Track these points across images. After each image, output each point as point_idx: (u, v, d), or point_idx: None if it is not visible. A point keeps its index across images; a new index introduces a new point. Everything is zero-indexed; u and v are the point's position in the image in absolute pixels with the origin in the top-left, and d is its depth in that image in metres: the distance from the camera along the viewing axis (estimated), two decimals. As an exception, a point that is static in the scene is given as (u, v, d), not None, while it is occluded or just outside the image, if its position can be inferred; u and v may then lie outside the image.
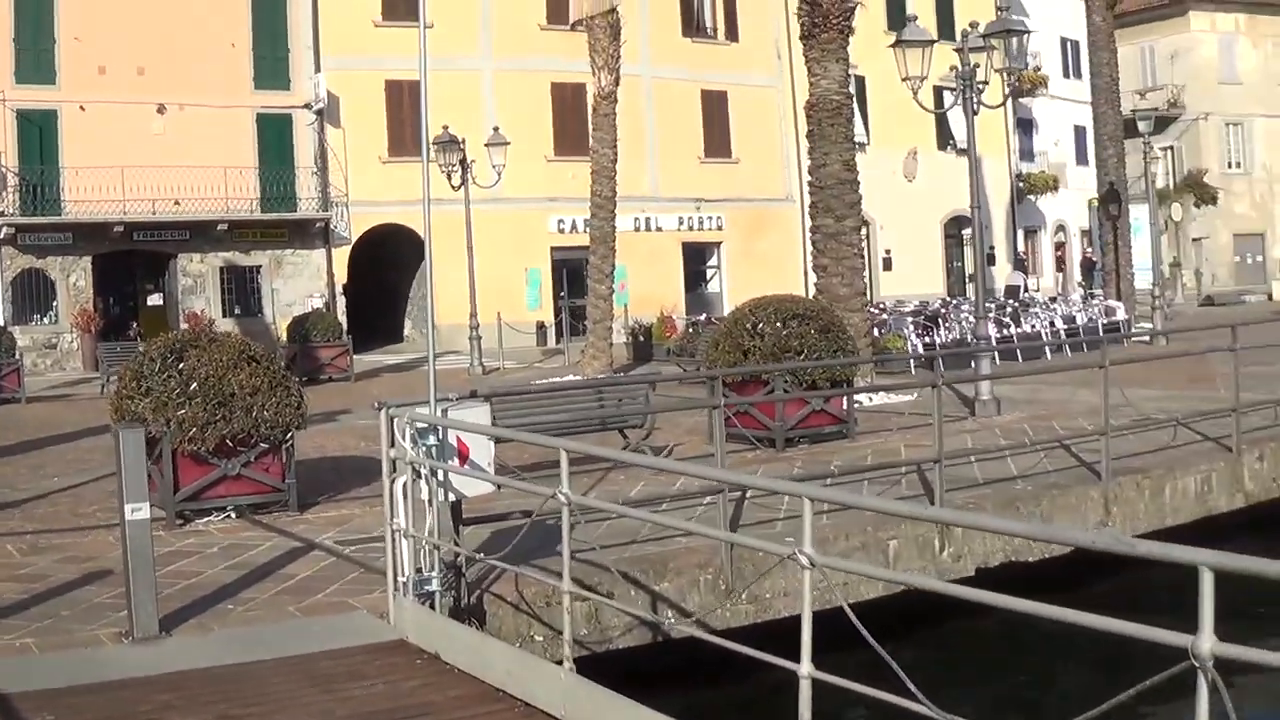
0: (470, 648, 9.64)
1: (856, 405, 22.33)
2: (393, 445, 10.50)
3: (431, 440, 10.31)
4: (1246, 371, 19.37)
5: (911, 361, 30.71)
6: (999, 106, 25.19)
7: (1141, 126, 44.81)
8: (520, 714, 8.66)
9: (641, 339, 40.47)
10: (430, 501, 10.36)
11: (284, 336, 41.14)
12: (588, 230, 37.31)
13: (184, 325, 42.44)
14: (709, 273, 56.06)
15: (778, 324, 19.78)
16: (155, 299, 46.97)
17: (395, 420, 10.46)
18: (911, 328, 34.68)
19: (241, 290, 47.23)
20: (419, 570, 10.46)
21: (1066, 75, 72.30)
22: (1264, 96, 79.22)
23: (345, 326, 41.92)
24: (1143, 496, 16.24)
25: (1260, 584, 4.71)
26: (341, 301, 47.67)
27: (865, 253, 33.92)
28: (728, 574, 12.33)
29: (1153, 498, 16.34)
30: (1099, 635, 5.19)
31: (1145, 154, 45.58)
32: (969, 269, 64.98)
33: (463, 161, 38.38)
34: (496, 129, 40.09)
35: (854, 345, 21.55)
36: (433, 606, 10.40)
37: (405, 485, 10.44)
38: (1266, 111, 79.36)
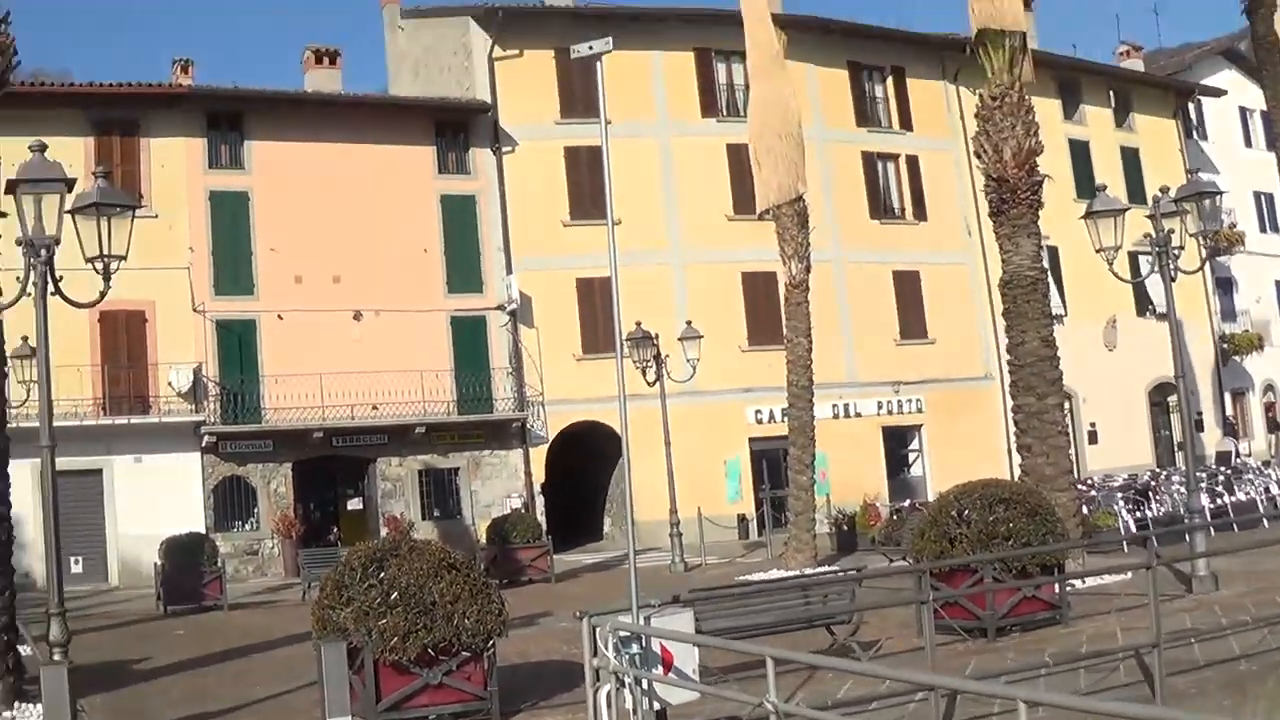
0: None
1: (1069, 589, 21.69)
2: (595, 654, 10.24)
3: (635, 649, 10.03)
4: None
5: (1124, 540, 29.86)
6: (1197, 271, 24.63)
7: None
8: None
9: (845, 528, 39.88)
10: (635, 710, 10.06)
11: (483, 538, 41.06)
12: (785, 420, 37.06)
13: (384, 529, 42.83)
14: (911, 456, 55.32)
15: (984, 510, 19.29)
16: (355, 503, 47.29)
17: (598, 629, 10.20)
18: (1122, 503, 33.76)
19: (440, 492, 47.33)
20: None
21: (1263, 230, 71.00)
22: None
23: (544, 527, 41.76)
24: (1380, 674, 15.44)
25: None
26: (540, 501, 47.61)
27: (1069, 428, 33.24)
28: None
29: (1393, 675, 15.53)
30: None
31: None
32: (1177, 437, 63.54)
33: (656, 356, 38.48)
34: (689, 322, 40.24)
35: (1063, 527, 20.96)
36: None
37: (609, 694, 10.16)
38: None
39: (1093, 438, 58.93)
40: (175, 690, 19.48)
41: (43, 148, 14.69)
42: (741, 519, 48.04)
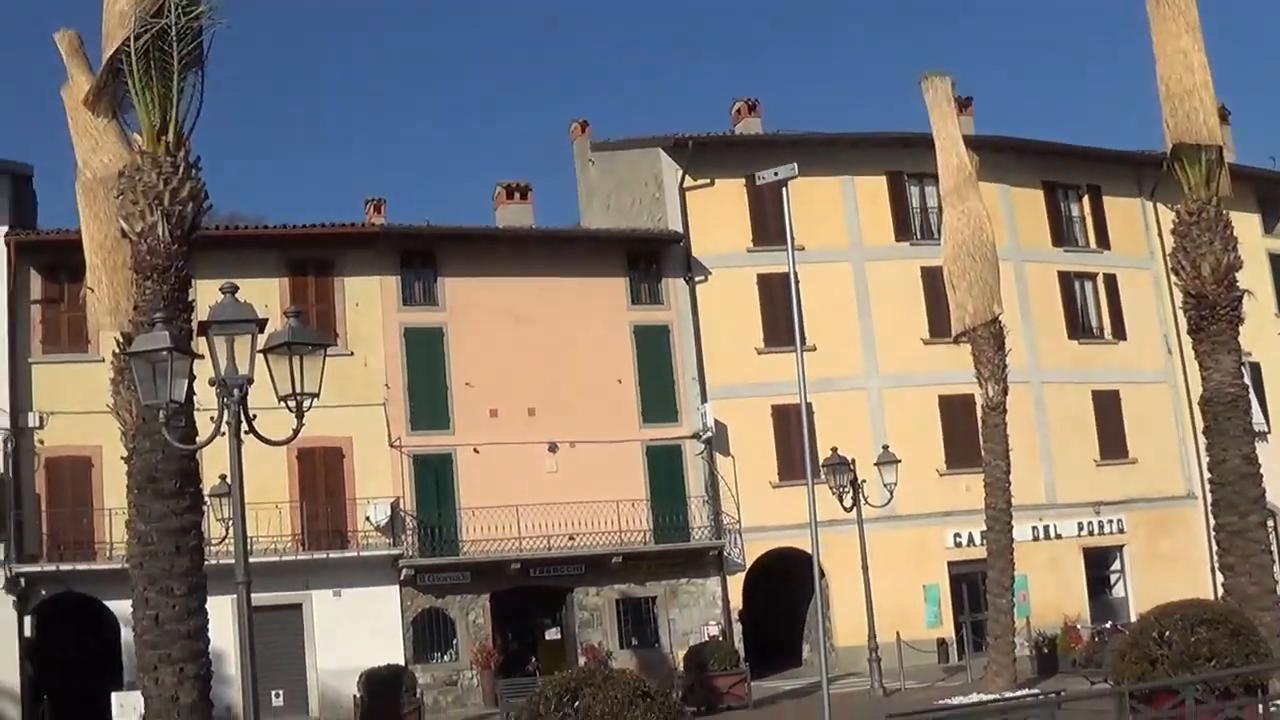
0: None
1: (1274, 708, 21.27)
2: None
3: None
4: None
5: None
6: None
7: None
8: None
9: (1046, 651, 39.43)
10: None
11: (681, 666, 40.98)
12: (984, 543, 36.79)
13: (582, 658, 42.89)
14: (1112, 578, 54.36)
15: (1185, 630, 19.01)
16: (553, 633, 47.34)
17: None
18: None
19: (638, 621, 47.28)
20: None
21: None
22: None
23: (742, 654, 41.67)
24: None
25: None
26: (738, 629, 47.45)
27: (1273, 547, 32.61)
28: None
29: None
30: None
31: None
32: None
33: (853, 482, 38.27)
34: (886, 447, 40.21)
35: (1267, 647, 20.49)
36: None
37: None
38: None
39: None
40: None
41: (234, 289, 15.02)
42: (941, 643, 47.64)
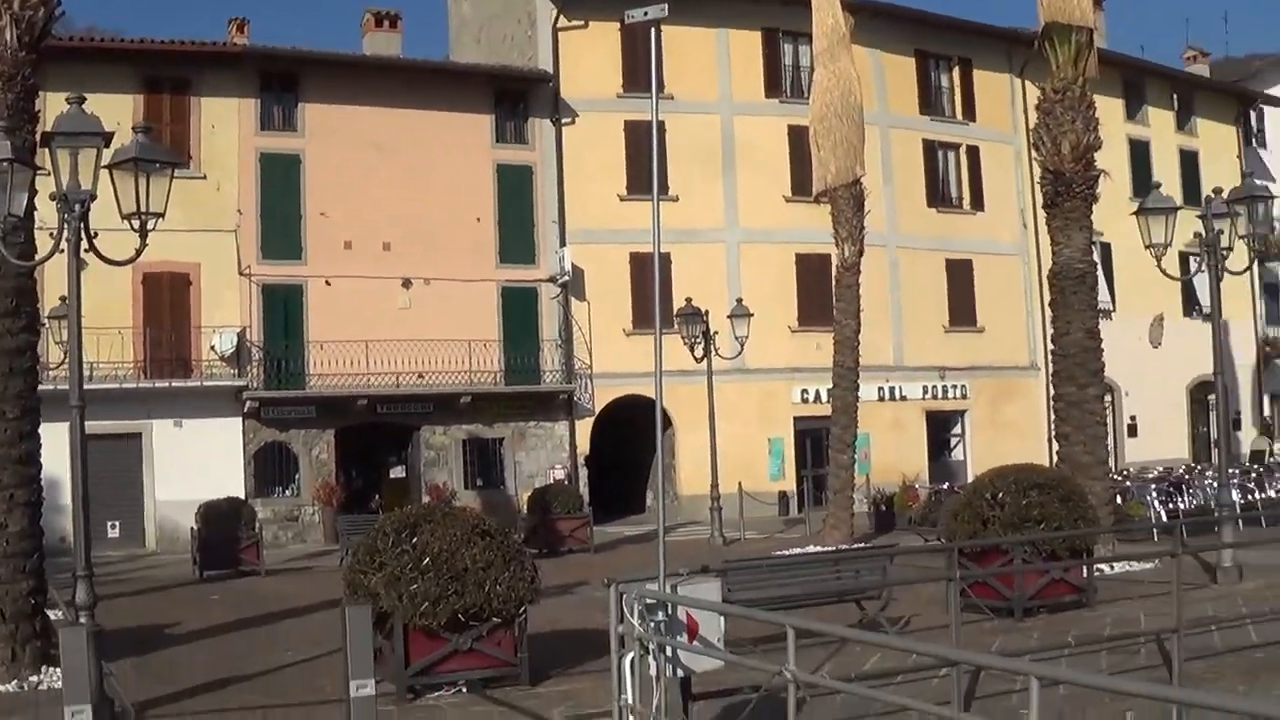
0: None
1: (1097, 574, 22.01)
2: (621, 621, 10.50)
3: (660, 616, 10.29)
4: None
5: (1154, 529, 30.08)
6: (1244, 272, 24.77)
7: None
8: None
9: (884, 508, 40.14)
10: (658, 677, 10.32)
11: (525, 508, 41.22)
12: (830, 400, 37.27)
13: (426, 498, 42.97)
14: (953, 441, 55.49)
15: (1018, 494, 19.57)
16: (398, 471, 47.65)
17: (624, 596, 10.46)
18: (1154, 495, 33.99)
19: (484, 462, 47.58)
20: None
21: (1313, 240, 70.97)
22: None
23: (587, 498, 42.01)
24: (1392, 666, 15.73)
25: None
26: (584, 473, 47.88)
27: (1110, 419, 33.44)
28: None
29: None
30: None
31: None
32: (1214, 434, 63.60)
33: (705, 333, 38.53)
34: (740, 300, 40.36)
35: (1094, 514, 21.20)
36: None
37: (633, 661, 10.41)
38: None
39: (1132, 430, 59.15)
40: (205, 655, 19.71)
41: (81, 100, 14.38)
42: (782, 496, 48.44)
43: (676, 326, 38.41)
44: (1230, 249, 23.73)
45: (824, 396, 42.87)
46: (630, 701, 10.38)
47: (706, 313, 38.79)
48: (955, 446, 55.40)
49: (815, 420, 47.37)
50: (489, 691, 15.18)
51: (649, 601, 10.29)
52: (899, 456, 49.69)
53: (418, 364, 45.08)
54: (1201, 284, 59.91)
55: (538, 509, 38.09)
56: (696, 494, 42.01)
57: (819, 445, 45.80)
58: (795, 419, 50.56)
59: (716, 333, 38.89)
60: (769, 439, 49.94)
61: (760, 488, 45.78)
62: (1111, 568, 24.22)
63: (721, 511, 38.47)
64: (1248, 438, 62.46)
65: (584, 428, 48.52)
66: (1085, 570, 20.15)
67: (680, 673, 10.49)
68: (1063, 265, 27.70)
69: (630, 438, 47.87)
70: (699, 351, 38.32)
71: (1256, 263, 63.56)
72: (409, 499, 42.24)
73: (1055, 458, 28.23)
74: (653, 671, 10.36)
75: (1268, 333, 67.93)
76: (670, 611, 10.34)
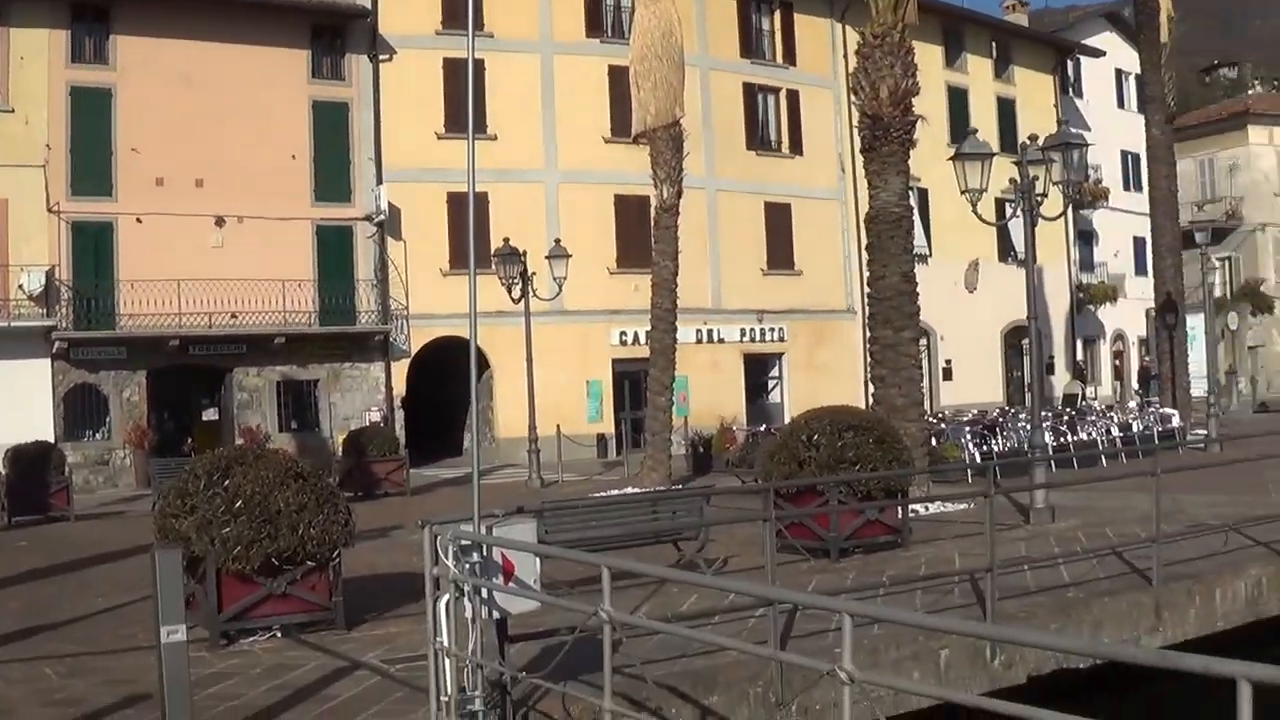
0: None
1: (912, 515, 22.17)
2: (436, 563, 10.33)
3: (475, 558, 10.15)
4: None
5: (968, 470, 30.46)
6: (1058, 218, 25.10)
7: (1199, 238, 44.55)
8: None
9: (701, 450, 40.23)
10: (473, 619, 10.18)
11: (340, 451, 40.82)
12: (648, 342, 37.26)
13: (239, 441, 42.39)
14: (770, 384, 55.94)
15: (832, 435, 19.63)
16: (211, 414, 46.88)
17: (438, 538, 10.30)
18: (969, 437, 34.46)
19: (299, 404, 47.17)
20: (462, 690, 10.27)
21: (1127, 188, 72.71)
22: None
23: (403, 440, 41.74)
24: (1193, 602, 16.17)
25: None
26: (400, 415, 47.56)
27: (925, 362, 33.80)
28: (778, 687, 12.11)
29: (1204, 603, 16.27)
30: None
31: (1203, 265, 45.36)
32: (1028, 378, 64.75)
33: (523, 274, 38.30)
34: (558, 241, 40.10)
35: (909, 455, 21.36)
36: (476, 727, 10.20)
37: (448, 603, 10.26)
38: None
39: (948, 374, 60.06)
40: (14, 602, 19.17)
41: None
42: (601, 438, 48.48)
43: (494, 267, 38.17)
44: (1044, 195, 23.97)
45: (642, 339, 42.87)
46: (446, 644, 10.22)
47: (524, 254, 38.53)
48: (773, 389, 55.85)
49: (634, 363, 47.41)
50: (304, 636, 14.91)
51: (463, 543, 10.13)
52: (717, 399, 49.98)
53: (231, 304, 44.40)
54: (1016, 230, 60.70)
55: (353, 452, 37.64)
56: (515, 437, 41.92)
57: (637, 388, 45.87)
58: (614, 361, 50.64)
59: (534, 274, 38.65)
60: (587, 381, 49.96)
61: (579, 430, 45.86)
62: (926, 508, 24.44)
63: (539, 454, 38.35)
64: (1061, 381, 63.66)
65: (400, 369, 48.22)
66: (900, 511, 20.25)
67: (496, 615, 10.34)
68: (879, 210, 27.81)
69: (447, 380, 47.63)
70: (516, 293, 38.13)
71: (1071, 210, 64.92)
72: (221, 442, 41.32)
73: (871, 400, 28.34)
74: (468, 614, 10.21)
75: (1081, 279, 69.32)
76: (485, 553, 10.19)
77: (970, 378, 60.27)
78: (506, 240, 38.47)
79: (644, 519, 17.60)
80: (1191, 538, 18.55)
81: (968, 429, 35.55)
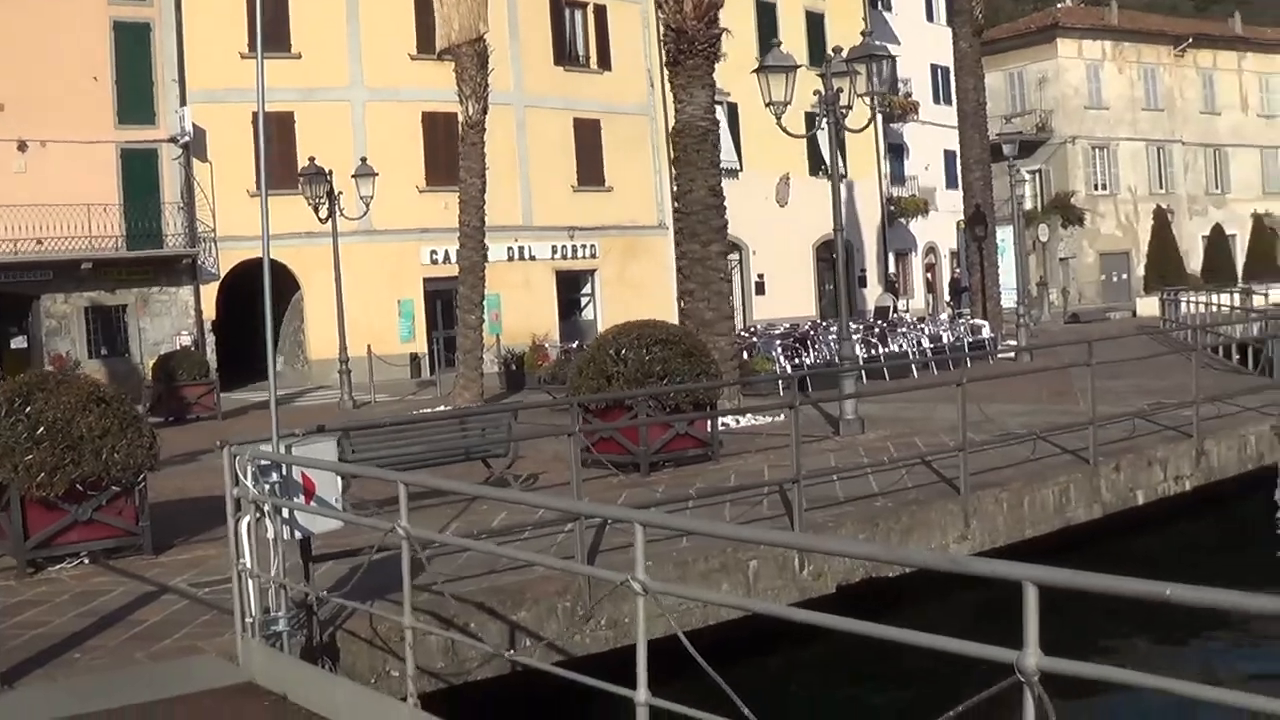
0: (316, 687, 9.44)
1: (723, 428, 22.40)
2: (236, 484, 10.27)
3: (274, 478, 10.10)
4: (1103, 386, 19.72)
5: (780, 383, 30.77)
6: (862, 130, 25.26)
7: (1006, 150, 45.29)
8: (366, 753, 8.46)
9: (514, 368, 40.24)
10: (275, 539, 10.14)
11: (150, 376, 40.12)
12: (458, 261, 37.09)
13: (49, 368, 41.68)
14: (583, 300, 56.02)
15: (640, 349, 19.71)
16: (19, 342, 45.75)
17: (237, 458, 10.23)
18: (780, 350, 34.78)
19: (108, 330, 46.27)
20: (266, 610, 10.24)
21: (938, 101, 73.51)
22: (1128, 120, 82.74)
23: (214, 364, 41.31)
24: (1001, 509, 16.47)
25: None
26: (211, 339, 46.98)
27: (737, 277, 34.01)
28: (585, 600, 12.21)
29: (1011, 510, 16.57)
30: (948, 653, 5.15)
31: (1011, 177, 46.10)
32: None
33: (330, 193, 37.85)
34: (364, 160, 39.63)
35: (718, 369, 21.52)
36: (281, 647, 10.17)
37: (250, 524, 10.21)
38: (1131, 135, 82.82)
39: (760, 289, 60.49)
40: None
41: None
42: (414, 358, 48.27)
43: (300, 187, 37.77)
44: (849, 107, 24.14)
45: (453, 257, 42.45)
46: (248, 565, 10.18)
47: (330, 173, 38.11)
48: (585, 306, 55.96)
49: (445, 281, 47.05)
50: (112, 562, 14.78)
51: (262, 463, 10.07)
52: (530, 317, 49.97)
53: (36, 230, 43.25)
54: (825, 143, 61.40)
55: (162, 376, 37.07)
56: (327, 358, 41.57)
57: (449, 307, 45.52)
58: (425, 280, 50.35)
59: (341, 193, 38.26)
60: (399, 301, 49.65)
61: (392, 350, 45.74)
62: (738, 421, 24.69)
63: (350, 375, 38.10)
64: (873, 295, 64.43)
65: (210, 293, 47.48)
66: (710, 424, 20.44)
67: (299, 535, 10.31)
68: (685, 123, 27.86)
69: (258, 301, 46.95)
70: (323, 212, 37.69)
71: (881, 123, 65.61)
72: (30, 370, 40.69)
73: (680, 315, 28.48)
74: (270, 534, 10.17)
75: (892, 192, 70.07)
76: (285, 472, 10.15)
77: (783, 292, 60.76)
78: (312, 160, 38.06)
79: (452, 436, 17.57)
80: (1000, 446, 18.90)
81: (779, 342, 35.87)
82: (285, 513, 10.12)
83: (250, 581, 10.22)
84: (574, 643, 12.20)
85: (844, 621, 5.53)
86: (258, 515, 10.15)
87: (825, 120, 24.15)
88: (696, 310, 27.20)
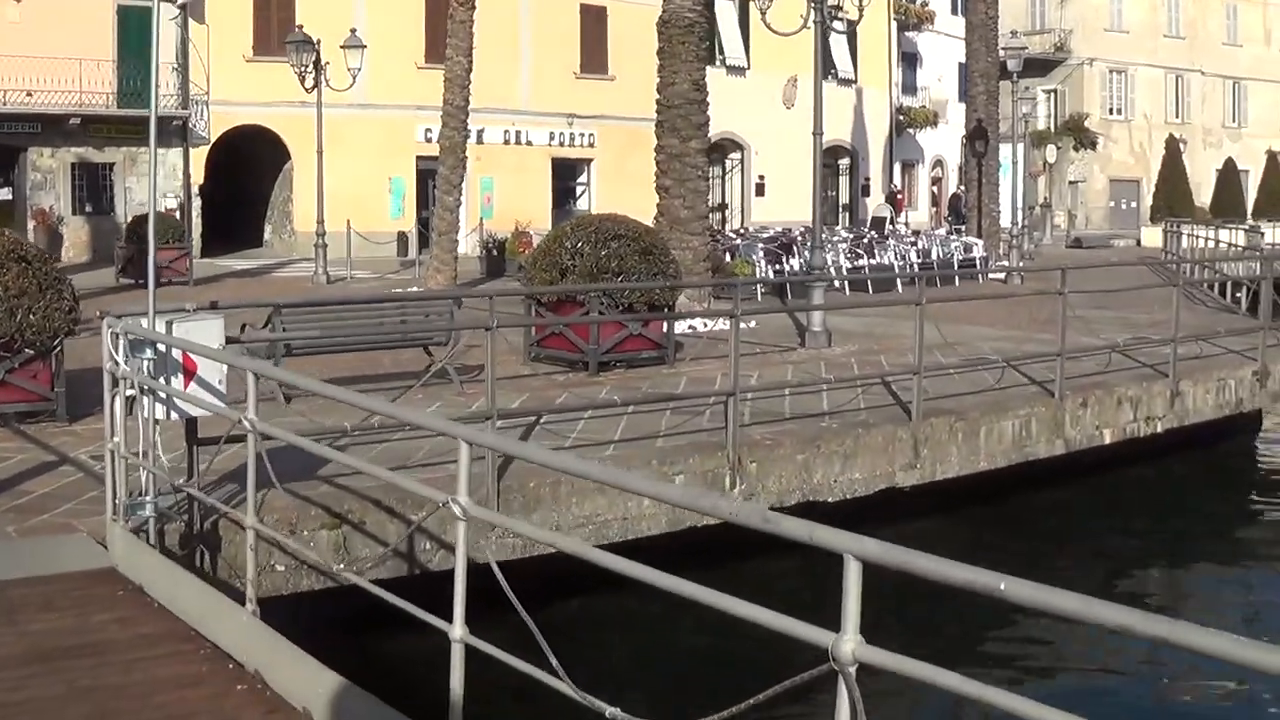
0: (169, 580, 8.90)
1: (688, 331, 21.78)
2: (112, 359, 9.72)
3: (148, 355, 9.52)
4: (1089, 316, 19.12)
5: (758, 289, 30.14)
6: (850, 28, 24.48)
7: (1010, 65, 44.41)
8: (205, 657, 7.91)
9: (495, 253, 39.57)
10: (150, 419, 9.60)
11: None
12: (440, 139, 36.40)
13: (31, 222, 41.33)
14: (579, 190, 55.27)
15: (597, 244, 18.99)
16: (3, 194, 45.10)
17: (111, 331, 9.67)
18: (762, 254, 34.03)
19: (94, 188, 45.55)
20: (131, 494, 9.69)
21: (954, 12, 72.25)
22: (1148, 46, 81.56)
23: (198, 228, 40.85)
24: (955, 439, 15.72)
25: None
26: (198, 203, 46.34)
27: (738, 177, 33.16)
28: (494, 506, 11.55)
29: (966, 440, 15.83)
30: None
31: (1014, 94, 45.27)
32: (844, 199, 64.82)
33: (316, 63, 37.04)
34: (354, 31, 38.67)
35: (677, 269, 20.68)
36: (148, 534, 9.62)
37: (126, 401, 9.66)
38: (1149, 61, 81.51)
39: (760, 190, 59.69)
40: None
41: None
42: (402, 236, 47.57)
43: (289, 54, 37.04)
44: (839, 6, 23.44)
45: (448, 136, 41.98)
46: (120, 444, 9.63)
47: (318, 42, 37.27)
48: (580, 195, 55.22)
49: (437, 160, 46.39)
50: (22, 426, 14.29)
51: (134, 338, 9.49)
52: (522, 202, 49.18)
53: (26, 82, 42.38)
54: (839, 47, 60.59)
55: (135, 238, 36.21)
56: (313, 230, 40.90)
57: (441, 185, 45.04)
58: (418, 158, 49.38)
59: (329, 63, 37.42)
60: (390, 178, 48.91)
61: (382, 227, 45.04)
62: (705, 325, 23.95)
63: (326, 250, 37.34)
64: (876, 204, 63.64)
65: (200, 156, 46.70)
66: (665, 326, 19.74)
67: (172, 416, 9.74)
68: (672, 14, 27.09)
69: (249, 169, 46.53)
70: (309, 82, 36.89)
71: (895, 31, 64.72)
72: (13, 224, 40.21)
73: (656, 211, 27.67)
74: (146, 414, 9.61)
75: (902, 102, 69.11)
76: (162, 351, 9.57)
77: (784, 195, 59.75)
78: (299, 27, 37.32)
79: (390, 321, 16.82)
80: (965, 371, 18.27)
81: (760, 246, 35.10)
82: (160, 393, 9.55)
83: (119, 463, 9.69)
84: (478, 548, 11.60)
85: (645, 571, 4.92)
86: (133, 393, 9.61)
87: (812, 18, 23.38)
88: (671, 207, 26.54)
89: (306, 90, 36.95)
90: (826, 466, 14.27)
